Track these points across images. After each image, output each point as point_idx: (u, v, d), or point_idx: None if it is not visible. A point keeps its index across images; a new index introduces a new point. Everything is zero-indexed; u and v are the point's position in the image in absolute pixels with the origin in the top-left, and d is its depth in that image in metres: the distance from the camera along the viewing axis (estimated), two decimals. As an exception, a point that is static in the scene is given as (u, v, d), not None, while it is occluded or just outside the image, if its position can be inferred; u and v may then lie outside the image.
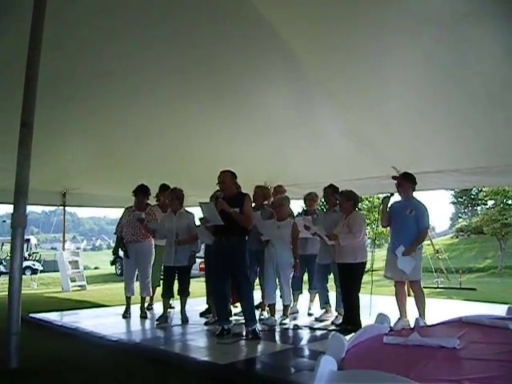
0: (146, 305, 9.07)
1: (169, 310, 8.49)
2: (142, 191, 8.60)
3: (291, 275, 8.02)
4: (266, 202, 8.54)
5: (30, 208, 6.01)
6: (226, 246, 6.94)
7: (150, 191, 8.74)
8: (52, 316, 8.95)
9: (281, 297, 8.10)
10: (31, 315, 8.81)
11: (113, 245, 9.52)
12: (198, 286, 8.93)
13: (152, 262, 8.88)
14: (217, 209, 6.89)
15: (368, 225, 22.02)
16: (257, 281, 8.66)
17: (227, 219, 6.82)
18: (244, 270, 7.03)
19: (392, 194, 7.53)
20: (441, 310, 8.70)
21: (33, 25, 5.62)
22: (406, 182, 7.37)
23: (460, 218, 49.30)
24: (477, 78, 6.70)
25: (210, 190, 8.11)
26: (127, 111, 8.85)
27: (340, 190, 7.86)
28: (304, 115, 8.82)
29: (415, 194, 7.47)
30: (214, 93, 8.30)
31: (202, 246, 8.68)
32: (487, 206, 34.01)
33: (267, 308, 8.32)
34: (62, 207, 14.05)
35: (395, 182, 7.46)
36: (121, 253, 8.94)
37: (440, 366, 2.27)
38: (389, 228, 7.71)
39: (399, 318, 7.22)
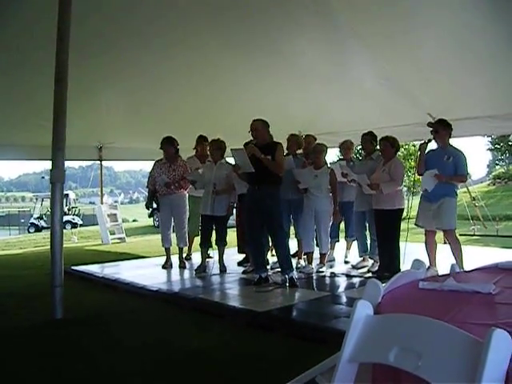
0: (184, 255, 9.22)
1: (207, 259, 8.62)
2: (167, 141, 8.59)
3: (330, 223, 8.07)
4: (299, 151, 8.48)
5: (67, 163, 6.11)
6: (259, 196, 6.98)
7: (177, 142, 8.71)
8: (93, 268, 9.16)
9: (317, 245, 8.14)
10: (73, 268, 9.03)
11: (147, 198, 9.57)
12: (235, 235, 9.02)
13: (187, 213, 8.97)
14: (248, 154, 6.92)
15: (404, 172, 21.72)
16: (292, 229, 8.68)
17: (258, 167, 6.82)
18: (278, 219, 7.08)
19: (430, 140, 7.37)
20: (478, 257, 8.67)
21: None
22: (441, 128, 7.13)
23: (497, 164, 48.47)
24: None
25: (246, 139, 8.15)
26: (161, 64, 8.86)
27: (384, 136, 7.73)
28: (338, 63, 8.72)
29: (452, 141, 7.33)
30: (248, 42, 8.26)
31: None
32: (525, 153, 33.38)
33: (304, 256, 8.40)
34: (99, 161, 14.23)
35: (431, 129, 7.32)
36: (155, 205, 9.02)
37: (475, 310, 2.29)
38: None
39: (428, 267, 7.16)
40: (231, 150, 7.21)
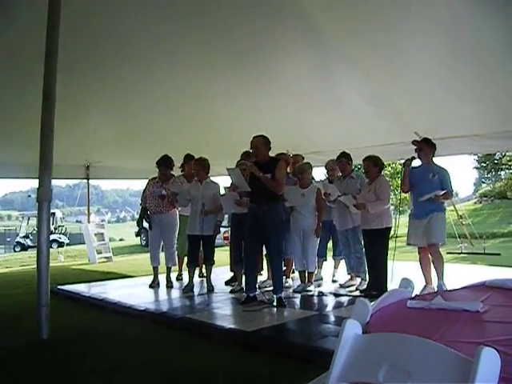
0: (176, 274, 9.30)
1: (200, 278, 8.60)
2: (164, 162, 8.63)
3: (318, 241, 8.05)
4: (288, 170, 8.49)
5: (54, 182, 6.08)
6: (259, 214, 6.93)
7: (174, 162, 8.76)
8: (80, 287, 9.09)
9: (305, 264, 8.11)
10: (59, 287, 8.96)
11: (137, 216, 9.66)
12: (222, 254, 9.00)
13: (176, 232, 8.97)
14: (245, 173, 6.92)
15: (391, 191, 21.80)
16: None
17: (258, 185, 6.81)
18: (277, 238, 7.03)
19: (413, 158, 7.45)
20: (465, 275, 8.69)
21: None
22: (426, 147, 7.28)
23: (483, 182, 48.77)
24: (498, 41, 6.59)
25: (233, 158, 8.15)
26: (148, 83, 8.87)
27: (367, 155, 7.75)
28: (325, 81, 8.76)
29: (438, 159, 7.41)
30: (235, 61, 8.28)
31: (226, 216, 8.75)
32: (511, 171, 33.64)
33: (292, 275, 8.36)
34: (86, 180, 14.20)
35: (415, 147, 7.39)
36: (145, 224, 8.99)
37: (463, 328, 2.29)
38: (408, 194, 7.66)
39: (425, 286, 7.17)
40: (227, 169, 7.22)
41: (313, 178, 8.32)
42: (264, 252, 7.76)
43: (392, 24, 6.95)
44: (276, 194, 6.94)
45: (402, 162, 7.87)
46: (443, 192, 7.05)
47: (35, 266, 5.85)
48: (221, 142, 10.79)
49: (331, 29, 7.35)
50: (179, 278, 9.49)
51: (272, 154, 7.61)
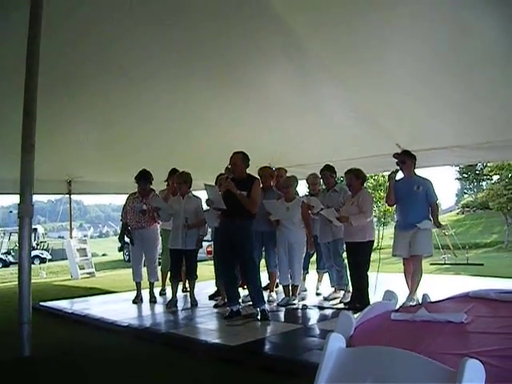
0: (159, 290, 9.22)
1: (184, 293, 8.54)
2: (143, 177, 8.57)
3: (304, 255, 8.03)
4: (272, 184, 8.50)
5: (35, 197, 6.02)
6: (230, 229, 6.97)
7: (153, 176, 8.71)
8: (62, 304, 8.99)
9: (291, 277, 8.10)
10: (41, 304, 8.87)
11: (119, 231, 9.63)
12: (205, 269, 8.96)
13: (158, 247, 8.94)
14: (222, 189, 6.97)
15: (374, 203, 21.88)
16: (263, 262, 8.63)
17: (233, 201, 6.84)
18: (249, 252, 7.03)
19: (397, 170, 7.50)
20: (448, 285, 8.71)
21: (32, 12, 5.63)
22: (408, 159, 7.37)
23: (465, 193, 49.28)
24: (479, 52, 6.65)
25: (215, 173, 8.13)
26: (130, 97, 8.83)
27: (349, 168, 7.78)
28: (307, 95, 8.77)
29: (421, 171, 7.47)
30: (216, 75, 8.26)
31: (209, 230, 8.72)
32: (492, 181, 33.92)
33: (276, 289, 8.33)
34: (68, 195, 14.09)
35: (396, 160, 7.44)
36: (127, 239, 8.93)
37: (447, 340, 2.29)
38: (394, 206, 7.70)
39: (409, 296, 7.19)
40: (205, 185, 7.23)
41: (297, 193, 8.33)
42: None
43: (375, 41, 6.98)
44: (249, 212, 6.98)
45: (385, 174, 7.92)
46: (430, 224, 7.18)
47: (17, 282, 5.78)
48: (203, 157, 10.77)
49: (316, 45, 7.37)
50: (162, 293, 9.42)
51: (255, 167, 7.62)
